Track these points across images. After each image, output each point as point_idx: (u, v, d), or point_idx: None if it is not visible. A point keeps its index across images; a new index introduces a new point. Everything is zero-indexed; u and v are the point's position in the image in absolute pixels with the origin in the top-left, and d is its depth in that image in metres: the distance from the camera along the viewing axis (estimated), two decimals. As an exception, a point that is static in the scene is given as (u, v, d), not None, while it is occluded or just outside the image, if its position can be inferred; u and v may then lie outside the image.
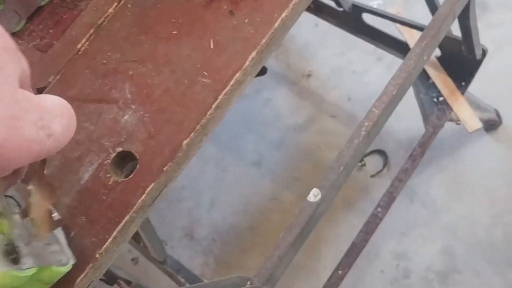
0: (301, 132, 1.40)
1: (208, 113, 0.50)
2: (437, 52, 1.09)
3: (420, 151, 1.06)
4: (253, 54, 0.51)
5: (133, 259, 1.31)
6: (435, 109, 1.08)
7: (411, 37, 1.13)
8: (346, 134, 1.37)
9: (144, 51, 0.52)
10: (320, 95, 1.43)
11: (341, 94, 1.42)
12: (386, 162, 1.31)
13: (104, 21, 0.55)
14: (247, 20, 0.52)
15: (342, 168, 0.72)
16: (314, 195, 0.71)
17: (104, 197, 0.48)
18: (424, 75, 1.11)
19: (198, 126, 0.49)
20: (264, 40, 0.51)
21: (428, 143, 1.06)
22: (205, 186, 1.35)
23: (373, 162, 1.32)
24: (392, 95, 0.74)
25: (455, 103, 1.06)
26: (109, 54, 0.54)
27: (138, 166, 0.48)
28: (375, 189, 1.30)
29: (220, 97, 0.50)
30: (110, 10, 0.55)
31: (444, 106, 1.07)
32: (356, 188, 1.31)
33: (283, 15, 0.52)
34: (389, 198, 1.05)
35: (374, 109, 0.74)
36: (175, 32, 0.53)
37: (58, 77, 0.54)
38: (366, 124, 0.74)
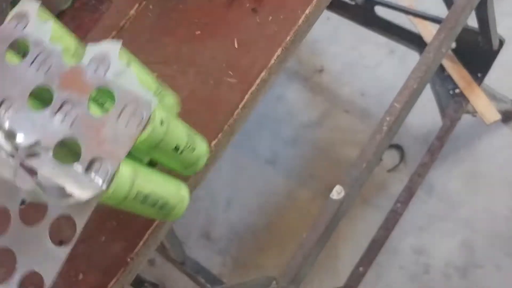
0: (314, 128, 1.39)
1: (235, 113, 0.49)
2: (452, 43, 1.08)
3: (438, 145, 1.05)
4: (278, 52, 0.50)
5: (149, 261, 1.31)
6: (452, 102, 1.07)
7: (424, 28, 1.12)
8: (360, 130, 1.37)
9: (168, 53, 0.51)
10: (333, 90, 1.42)
11: (354, 89, 1.41)
12: (402, 157, 1.30)
13: (126, 23, 0.54)
14: (270, 17, 0.52)
15: (365, 165, 0.71)
16: (337, 193, 0.71)
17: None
18: (440, 68, 1.10)
19: (226, 127, 0.49)
20: (288, 38, 0.51)
21: (446, 136, 1.05)
22: (221, 185, 1.35)
23: (390, 157, 1.31)
24: (413, 88, 0.74)
25: (471, 95, 1.04)
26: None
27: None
28: (392, 184, 1.29)
29: (246, 96, 0.49)
30: (132, 12, 0.55)
31: (460, 98, 1.06)
32: (373, 184, 1.30)
33: (307, 11, 0.51)
34: (408, 193, 1.04)
35: (396, 104, 0.73)
36: (199, 32, 0.53)
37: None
38: (388, 119, 0.73)
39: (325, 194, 1.30)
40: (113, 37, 0.55)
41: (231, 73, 0.51)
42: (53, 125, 0.35)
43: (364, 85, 1.41)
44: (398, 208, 1.02)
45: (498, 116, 1.03)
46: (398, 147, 1.32)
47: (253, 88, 0.50)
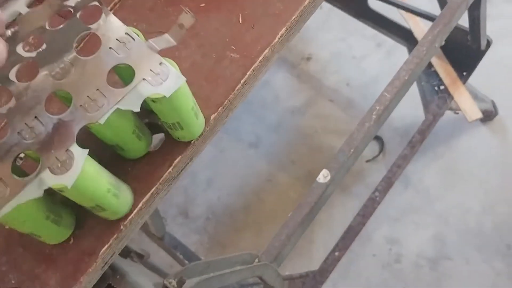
0: (299, 115, 1.40)
1: (236, 88, 0.49)
2: (441, 41, 1.10)
3: (419, 138, 1.08)
4: (283, 30, 0.51)
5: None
6: (436, 98, 1.09)
7: (415, 25, 1.13)
8: (343, 119, 1.39)
9: (170, 23, 0.51)
10: (319, 79, 1.43)
11: (340, 79, 1.42)
12: (382, 148, 1.32)
13: (129, -10, 0.54)
14: (276, -5, 0.52)
15: (352, 150, 0.73)
16: (323, 176, 0.72)
17: (130, 168, 0.48)
18: (427, 63, 1.12)
19: (226, 101, 0.49)
20: (294, 17, 0.51)
21: (428, 131, 1.08)
22: (202, 165, 1.35)
23: (369, 148, 1.33)
24: (404, 80, 0.75)
25: (456, 92, 1.07)
26: (135, 24, 0.53)
27: (165, 138, 0.48)
28: (370, 174, 1.32)
29: (248, 72, 0.50)
30: (136, -21, 0.54)
31: (445, 95, 1.08)
32: (351, 172, 1.32)
33: (313, -8, 0.52)
34: (387, 183, 1.06)
35: (386, 94, 0.75)
36: (203, 4, 0.53)
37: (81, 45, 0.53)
38: (377, 108, 0.74)
39: (305, 180, 1.33)
40: (115, 4, 0.54)
41: (234, 48, 0.51)
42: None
43: (350, 76, 1.42)
44: (377, 197, 1.04)
45: (480, 114, 1.06)
46: (378, 138, 1.34)
47: (255, 65, 0.50)
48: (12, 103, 0.40)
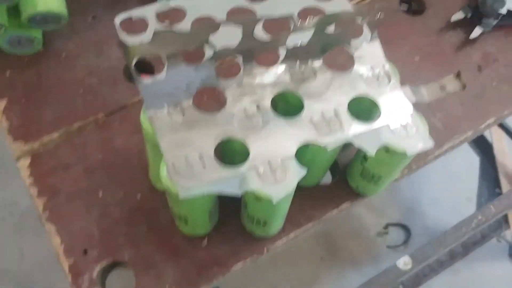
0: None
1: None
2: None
3: (461, 251, 1.05)
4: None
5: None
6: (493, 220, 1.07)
7: (498, 140, 1.12)
8: (382, 195, 1.35)
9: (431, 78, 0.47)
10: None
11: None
12: (407, 239, 1.29)
13: None
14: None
15: (441, 249, 0.69)
16: (404, 263, 0.68)
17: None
18: (494, 182, 1.11)
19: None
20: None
21: (472, 248, 1.05)
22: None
23: (395, 234, 1.31)
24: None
25: (514, 223, 1.05)
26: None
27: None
28: (386, 260, 1.28)
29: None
30: None
31: (502, 221, 1.06)
32: (369, 251, 1.29)
33: None
34: (415, 281, 1.02)
35: (491, 207, 0.72)
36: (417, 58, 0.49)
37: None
38: (480, 218, 0.71)
39: (321, 236, 1.28)
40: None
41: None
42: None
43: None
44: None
45: (527, 255, 1.04)
46: (406, 229, 1.31)
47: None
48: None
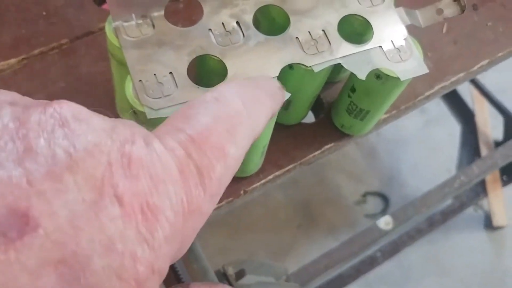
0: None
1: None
2: (499, 136, 1.07)
3: (440, 219, 1.04)
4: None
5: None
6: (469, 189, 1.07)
7: (481, 109, 1.11)
8: (359, 164, 1.34)
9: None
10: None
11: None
12: (385, 208, 1.28)
13: None
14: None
15: (423, 209, 0.67)
16: (385, 223, 0.66)
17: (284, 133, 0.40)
18: (475, 151, 1.10)
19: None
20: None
21: (450, 216, 1.05)
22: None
23: (373, 203, 1.30)
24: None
25: (493, 192, 1.05)
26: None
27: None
28: (362, 228, 1.27)
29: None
30: None
31: (480, 189, 1.05)
32: (346, 218, 1.28)
33: None
34: (393, 248, 1.01)
35: (475, 167, 0.70)
36: None
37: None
38: (462, 178, 0.69)
39: (299, 206, 1.27)
40: None
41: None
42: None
43: (384, 127, 1.38)
44: (378, 258, 0.99)
45: (505, 222, 1.04)
46: (384, 198, 1.30)
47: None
48: None
